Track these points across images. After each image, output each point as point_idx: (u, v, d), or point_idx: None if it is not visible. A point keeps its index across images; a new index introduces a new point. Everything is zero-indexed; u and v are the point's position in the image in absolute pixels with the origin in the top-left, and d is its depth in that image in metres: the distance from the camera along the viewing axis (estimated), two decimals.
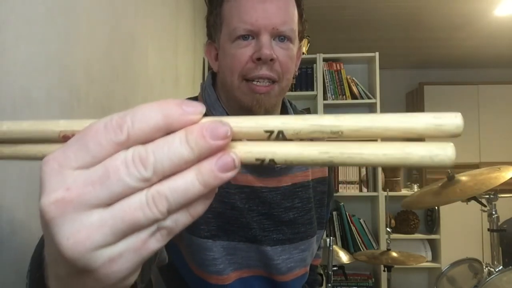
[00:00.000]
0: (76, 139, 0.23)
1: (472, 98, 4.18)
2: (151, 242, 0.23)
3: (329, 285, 1.98)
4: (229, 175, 0.23)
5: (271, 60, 0.73)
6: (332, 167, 0.99)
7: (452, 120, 0.22)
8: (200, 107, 0.23)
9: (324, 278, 1.98)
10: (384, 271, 2.31)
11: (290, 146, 0.23)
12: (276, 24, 0.73)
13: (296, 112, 0.91)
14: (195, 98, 0.85)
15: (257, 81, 0.74)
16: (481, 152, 4.12)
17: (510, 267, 1.76)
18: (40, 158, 0.26)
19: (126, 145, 0.22)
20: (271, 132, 0.23)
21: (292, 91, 3.04)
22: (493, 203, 1.88)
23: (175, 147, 0.22)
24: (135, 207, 0.22)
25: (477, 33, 3.54)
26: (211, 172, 0.22)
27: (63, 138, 0.25)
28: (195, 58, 2.31)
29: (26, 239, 0.67)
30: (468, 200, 1.84)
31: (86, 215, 0.22)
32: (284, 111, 0.87)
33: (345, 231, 3.06)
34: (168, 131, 0.23)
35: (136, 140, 0.22)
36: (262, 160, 0.24)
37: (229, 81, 0.76)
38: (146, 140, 0.23)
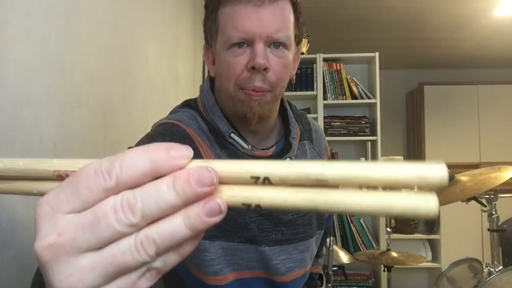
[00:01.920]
0: (67, 183, 0.24)
1: (472, 98, 4.18)
2: (141, 282, 0.24)
3: (329, 285, 1.98)
4: (216, 219, 0.23)
5: (265, 69, 0.73)
6: None
7: (436, 171, 0.22)
8: (188, 152, 0.24)
9: (324, 278, 1.98)
10: (384, 271, 2.31)
11: (275, 192, 0.24)
12: (270, 32, 0.73)
13: (296, 114, 0.91)
14: (194, 100, 0.85)
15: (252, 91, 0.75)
16: (481, 152, 4.12)
17: (510, 267, 1.76)
18: (35, 194, 0.28)
19: (115, 190, 0.23)
20: (257, 177, 0.24)
21: (292, 91, 3.04)
22: (493, 203, 1.89)
23: (162, 193, 0.23)
24: (124, 250, 0.23)
25: (477, 33, 3.54)
26: (197, 217, 0.23)
27: (57, 177, 0.27)
28: (195, 58, 2.31)
29: (26, 238, 0.67)
30: (468, 200, 1.84)
31: (78, 259, 0.23)
32: (283, 113, 0.87)
33: (345, 231, 3.07)
34: (156, 176, 0.23)
35: (124, 186, 0.23)
36: (248, 205, 0.24)
37: (225, 89, 0.77)
38: (134, 185, 0.23)
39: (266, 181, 0.24)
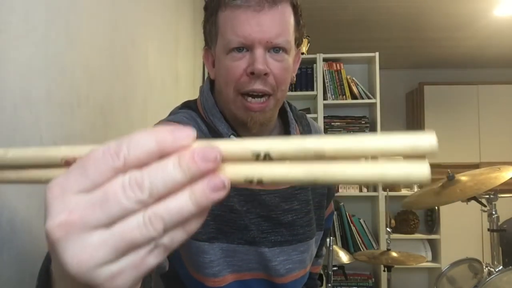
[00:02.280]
0: (77, 166, 0.25)
1: (472, 98, 4.18)
2: (149, 259, 0.25)
3: (329, 285, 1.98)
4: (220, 194, 0.25)
5: (265, 74, 0.73)
6: None
7: (427, 140, 0.23)
8: (191, 132, 0.25)
9: (324, 278, 1.98)
10: (384, 271, 2.31)
11: (276, 167, 0.25)
12: (270, 38, 0.72)
13: (295, 115, 0.91)
14: (194, 102, 0.85)
15: (251, 97, 0.74)
16: (481, 152, 4.12)
17: (510, 267, 1.76)
18: (43, 182, 0.28)
19: (123, 170, 0.24)
20: (259, 154, 0.25)
21: (292, 91, 3.04)
22: (493, 203, 1.89)
23: (168, 171, 0.24)
24: (133, 227, 0.24)
25: (477, 33, 3.54)
26: (203, 193, 0.24)
27: (65, 163, 0.28)
28: (195, 58, 2.31)
29: (26, 238, 0.67)
30: (468, 200, 1.84)
31: (88, 236, 0.24)
32: (283, 115, 0.87)
33: (345, 231, 3.06)
34: (162, 156, 0.25)
35: (132, 165, 0.24)
36: (251, 180, 0.25)
37: (224, 93, 0.77)
38: (141, 165, 0.24)
39: (267, 157, 0.25)
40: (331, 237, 2.05)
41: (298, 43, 0.81)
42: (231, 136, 0.77)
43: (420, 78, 4.44)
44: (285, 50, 0.75)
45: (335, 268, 2.07)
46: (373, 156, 0.24)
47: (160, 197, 0.24)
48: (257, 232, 0.80)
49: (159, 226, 0.24)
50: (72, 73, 0.84)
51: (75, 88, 0.86)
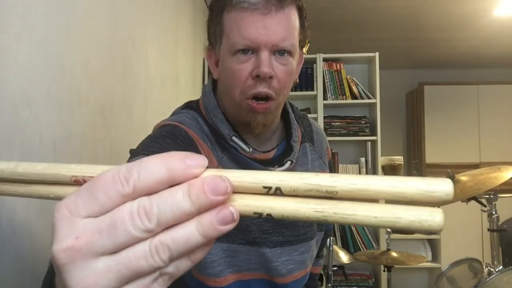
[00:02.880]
0: (86, 188, 0.25)
1: (472, 98, 4.18)
2: (153, 287, 0.25)
3: (329, 285, 1.98)
4: (228, 227, 0.24)
5: (270, 77, 0.73)
6: (333, 166, 1.00)
7: (443, 187, 0.22)
8: (203, 161, 0.25)
9: (324, 278, 1.98)
10: (384, 271, 2.31)
11: (286, 202, 0.25)
12: (276, 41, 0.72)
13: (297, 116, 0.91)
14: (196, 102, 0.85)
15: (256, 100, 0.75)
16: (481, 152, 4.12)
17: (510, 267, 1.76)
18: (52, 198, 0.29)
19: (132, 196, 0.24)
20: (269, 188, 0.25)
21: (292, 91, 3.03)
22: (493, 203, 1.89)
23: (178, 201, 0.24)
24: (139, 255, 0.24)
25: (477, 33, 3.54)
26: (210, 225, 0.24)
27: (75, 182, 0.28)
28: (195, 59, 2.31)
29: (26, 238, 0.67)
30: (468, 200, 1.84)
31: (94, 262, 0.24)
32: (285, 116, 0.87)
33: (345, 231, 3.07)
34: (172, 184, 0.24)
35: (141, 192, 0.24)
36: (260, 214, 0.25)
37: (229, 95, 0.77)
38: (150, 192, 0.24)
39: (278, 192, 0.25)
40: (331, 237, 2.05)
41: (302, 45, 0.81)
42: (233, 137, 0.77)
43: (420, 78, 4.44)
44: (290, 53, 0.75)
45: (335, 268, 2.07)
46: (387, 200, 0.24)
47: (168, 226, 0.24)
48: (258, 233, 0.80)
49: (165, 256, 0.24)
50: (72, 73, 0.84)
51: (75, 88, 0.86)
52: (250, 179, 0.25)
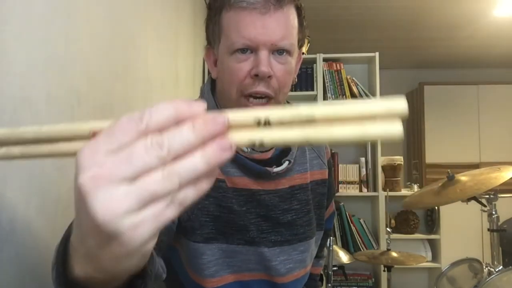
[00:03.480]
0: (105, 131, 0.28)
1: (472, 98, 4.17)
2: (167, 211, 0.28)
3: (329, 285, 1.98)
4: (227, 154, 0.29)
5: (269, 77, 0.73)
6: (332, 168, 1.00)
7: (399, 103, 0.28)
8: (202, 104, 0.29)
9: (324, 278, 1.98)
10: (384, 271, 2.31)
11: (275, 131, 0.29)
12: (275, 40, 0.72)
13: None
14: None
15: (253, 98, 0.75)
16: (481, 152, 4.12)
17: (510, 267, 1.76)
18: (73, 154, 0.31)
19: (145, 133, 0.28)
20: (260, 119, 0.29)
21: (292, 91, 3.04)
22: (493, 203, 1.89)
23: (184, 134, 0.28)
24: (154, 180, 0.27)
25: (477, 33, 3.54)
26: (213, 153, 0.28)
27: (93, 135, 0.31)
28: (195, 59, 2.31)
29: (26, 238, 0.67)
30: (468, 200, 1.84)
31: (116, 187, 0.27)
32: None
33: (345, 231, 3.06)
34: (179, 122, 0.28)
35: (153, 129, 0.28)
36: (253, 142, 0.30)
37: (227, 94, 0.77)
38: (161, 128, 0.28)
39: (267, 123, 0.29)
40: (331, 237, 2.04)
41: (301, 44, 0.81)
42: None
43: (420, 78, 4.44)
44: (288, 53, 0.75)
45: (335, 268, 2.07)
46: (356, 119, 0.28)
47: (177, 157, 0.28)
48: (257, 232, 0.80)
49: (175, 180, 0.27)
50: (72, 73, 0.84)
51: (75, 88, 0.86)
52: (243, 114, 0.30)
